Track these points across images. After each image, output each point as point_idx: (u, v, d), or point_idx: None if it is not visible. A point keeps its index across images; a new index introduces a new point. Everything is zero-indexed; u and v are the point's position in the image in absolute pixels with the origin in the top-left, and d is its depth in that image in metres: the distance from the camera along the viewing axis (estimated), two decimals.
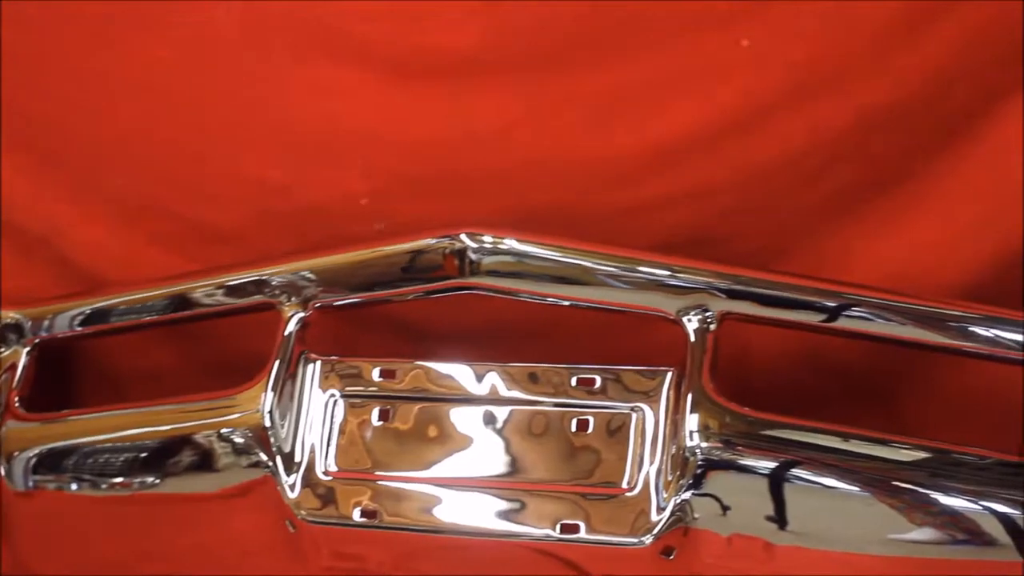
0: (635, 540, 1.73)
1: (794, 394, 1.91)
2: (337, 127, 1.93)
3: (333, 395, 1.84)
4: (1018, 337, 1.72)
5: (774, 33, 1.82)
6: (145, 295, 1.96)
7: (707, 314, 1.77)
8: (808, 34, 1.82)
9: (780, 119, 1.84)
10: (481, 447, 1.79)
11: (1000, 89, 1.82)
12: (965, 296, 1.82)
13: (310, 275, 1.87)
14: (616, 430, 1.76)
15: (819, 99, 1.82)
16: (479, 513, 1.77)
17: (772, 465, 1.72)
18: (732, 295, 1.76)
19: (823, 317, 1.76)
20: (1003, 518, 1.68)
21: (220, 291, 1.92)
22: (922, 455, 1.72)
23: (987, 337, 1.73)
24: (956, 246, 1.85)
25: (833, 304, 1.76)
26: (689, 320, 1.77)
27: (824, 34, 1.81)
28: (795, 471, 1.72)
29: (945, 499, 1.69)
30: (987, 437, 1.82)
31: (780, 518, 1.72)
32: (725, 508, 1.71)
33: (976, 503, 1.69)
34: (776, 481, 1.72)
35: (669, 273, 1.77)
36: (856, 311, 1.75)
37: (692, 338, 1.76)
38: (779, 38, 1.82)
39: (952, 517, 1.69)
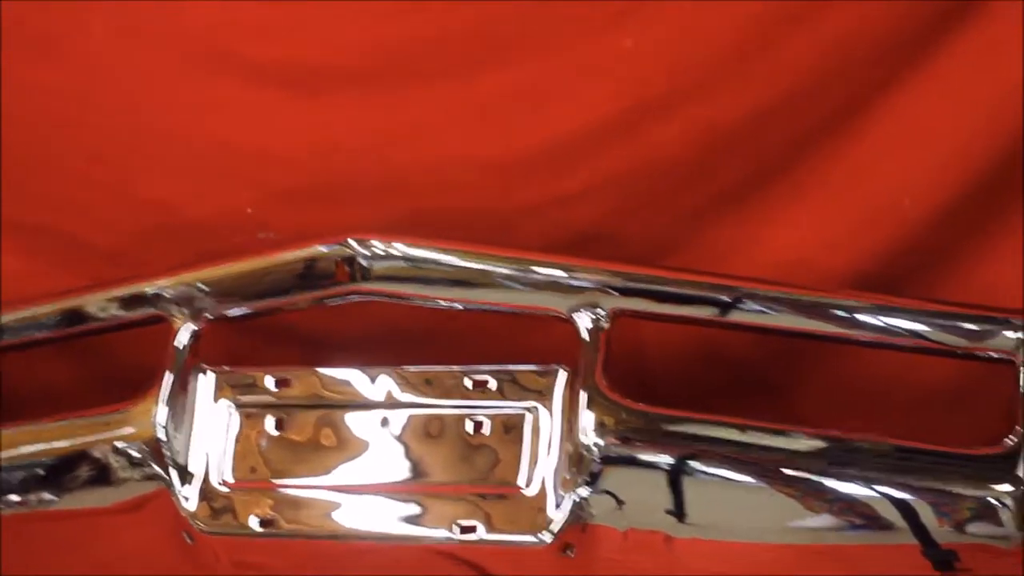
0: (533, 538, 1.73)
1: (688, 387, 1.93)
2: (224, 141, 1.92)
3: (227, 406, 1.83)
4: (906, 324, 1.75)
5: (657, 33, 1.84)
6: (36, 311, 1.93)
7: (599, 312, 1.77)
8: (691, 33, 1.83)
9: (665, 117, 1.85)
10: (378, 452, 1.79)
11: (879, 83, 1.84)
12: (852, 286, 1.85)
13: (200, 286, 1.86)
14: (511, 430, 1.77)
15: (704, 96, 1.84)
16: (378, 517, 1.77)
17: (669, 459, 1.73)
18: (623, 293, 1.78)
19: (715, 311, 1.78)
20: (898, 503, 1.70)
21: (112, 305, 1.90)
22: (820, 444, 1.74)
23: (875, 325, 1.76)
24: (840, 237, 1.87)
25: (725, 298, 1.78)
26: (581, 319, 1.78)
27: (706, 32, 1.83)
28: (693, 464, 1.73)
29: (842, 486, 1.72)
30: (880, 423, 1.86)
31: (679, 511, 1.73)
32: (622, 503, 1.72)
33: (872, 489, 1.71)
34: (674, 475, 1.73)
35: (560, 273, 1.78)
36: (747, 304, 1.77)
37: (585, 336, 1.77)
38: (662, 37, 1.84)
39: (849, 504, 1.71)
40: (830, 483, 1.72)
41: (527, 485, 1.75)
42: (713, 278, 1.79)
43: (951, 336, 1.73)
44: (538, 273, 1.79)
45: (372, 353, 1.87)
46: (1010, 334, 1.71)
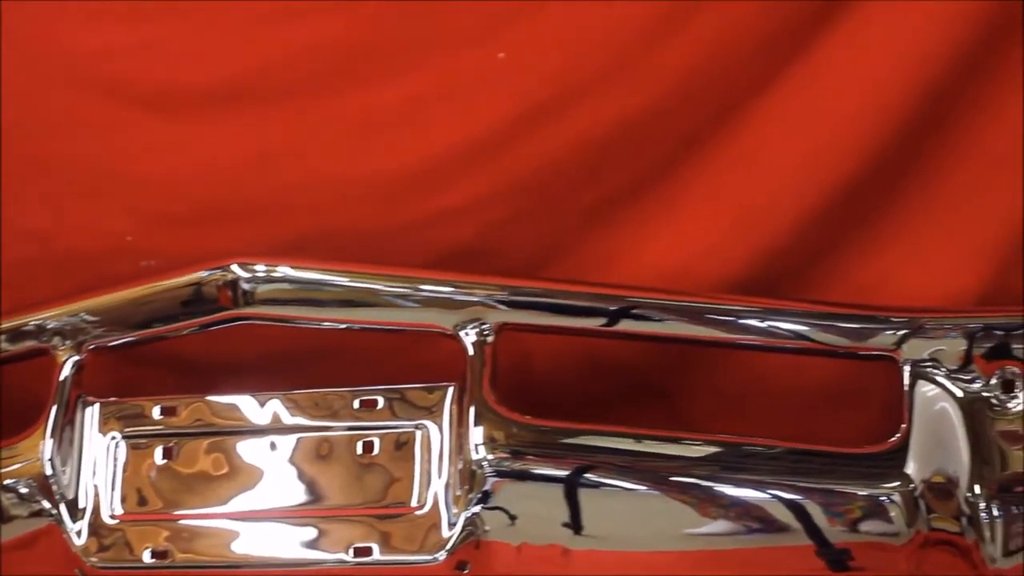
0: (428, 557, 1.73)
1: (578, 398, 1.92)
2: (96, 166, 1.90)
3: (114, 437, 1.81)
4: (788, 326, 1.76)
5: (532, 43, 1.84)
6: None
7: (484, 327, 1.77)
8: (566, 41, 1.84)
9: (541, 129, 1.85)
10: (270, 477, 1.78)
11: (753, 85, 1.85)
12: (734, 289, 1.85)
13: (83, 316, 1.83)
14: (402, 449, 1.76)
15: (578, 106, 1.84)
16: (272, 543, 1.76)
17: (563, 471, 1.74)
18: (507, 306, 1.78)
19: (602, 322, 1.78)
20: (791, 504, 1.72)
21: None
22: (713, 449, 1.75)
23: (760, 328, 1.77)
24: (721, 241, 1.88)
25: (611, 308, 1.78)
26: (467, 334, 1.78)
27: (578, 43, 1.84)
28: (587, 475, 1.74)
29: (737, 491, 1.73)
30: (769, 425, 1.88)
31: (575, 523, 1.74)
32: (515, 518, 1.72)
33: (766, 492, 1.73)
34: (569, 487, 1.74)
35: (443, 289, 1.78)
36: (633, 313, 1.78)
37: (471, 351, 1.77)
38: (537, 48, 1.84)
39: (744, 507, 1.73)
40: (725, 488, 1.73)
41: (420, 504, 1.75)
42: (598, 288, 1.80)
43: (832, 336, 1.75)
44: (422, 290, 1.78)
45: (261, 378, 1.85)
46: (890, 331, 1.73)
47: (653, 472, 1.74)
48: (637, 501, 1.74)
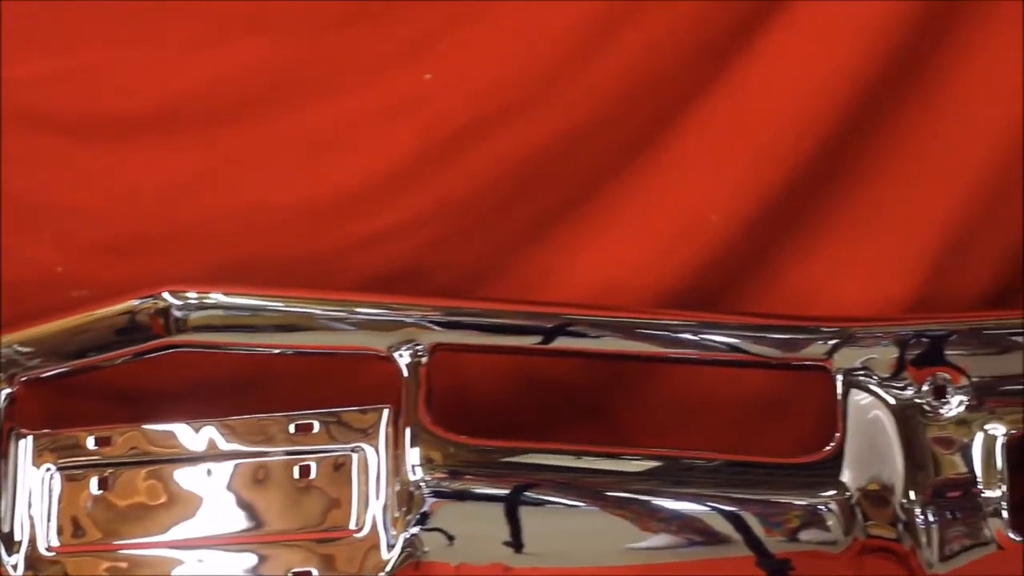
0: None
1: (515, 417, 1.92)
2: (23, 197, 1.88)
3: (49, 469, 1.78)
4: (722, 338, 1.77)
5: (457, 63, 1.83)
6: None
7: (418, 348, 1.77)
8: (492, 60, 1.84)
9: (472, 147, 1.85)
10: (208, 504, 1.77)
11: (680, 101, 1.86)
12: (667, 304, 1.86)
13: (16, 348, 1.81)
14: (339, 472, 1.76)
15: (507, 125, 1.84)
16: (212, 571, 1.75)
17: (503, 490, 1.74)
18: (441, 326, 1.77)
19: (537, 339, 1.78)
20: (731, 516, 1.73)
21: None
22: (653, 464, 1.76)
23: (694, 341, 1.78)
24: (653, 256, 1.88)
25: (546, 325, 1.78)
26: (401, 355, 1.77)
27: (506, 61, 1.84)
28: (527, 494, 1.74)
29: (677, 504, 1.74)
30: (705, 438, 1.88)
31: (516, 542, 1.74)
32: (453, 539, 1.72)
33: (706, 505, 1.73)
34: (509, 505, 1.74)
35: (376, 311, 1.78)
36: (569, 330, 1.78)
37: (405, 373, 1.76)
38: (463, 67, 1.84)
39: (685, 521, 1.73)
40: (665, 502, 1.74)
41: (359, 527, 1.74)
42: (533, 306, 1.81)
43: (765, 347, 1.76)
44: (355, 313, 1.78)
45: (196, 405, 1.84)
46: (821, 341, 1.74)
47: (593, 488, 1.74)
48: (578, 518, 1.75)
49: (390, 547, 1.73)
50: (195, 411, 1.82)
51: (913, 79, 1.85)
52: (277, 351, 1.80)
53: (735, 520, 1.73)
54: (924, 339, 1.74)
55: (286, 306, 1.79)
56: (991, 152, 1.84)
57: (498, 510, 1.74)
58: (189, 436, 1.80)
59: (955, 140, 1.85)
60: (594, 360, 1.84)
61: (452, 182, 1.86)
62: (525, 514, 1.74)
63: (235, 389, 1.89)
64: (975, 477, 1.70)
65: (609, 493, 1.74)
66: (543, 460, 1.76)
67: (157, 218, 1.88)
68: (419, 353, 1.77)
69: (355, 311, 1.78)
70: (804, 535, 1.72)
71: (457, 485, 1.74)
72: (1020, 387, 1.72)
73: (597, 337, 1.78)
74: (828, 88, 1.82)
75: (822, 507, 1.71)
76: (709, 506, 1.73)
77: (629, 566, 1.74)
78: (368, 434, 1.77)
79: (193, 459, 1.79)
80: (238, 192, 1.88)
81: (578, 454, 1.76)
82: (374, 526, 1.74)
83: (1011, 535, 1.69)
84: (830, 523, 1.71)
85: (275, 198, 1.88)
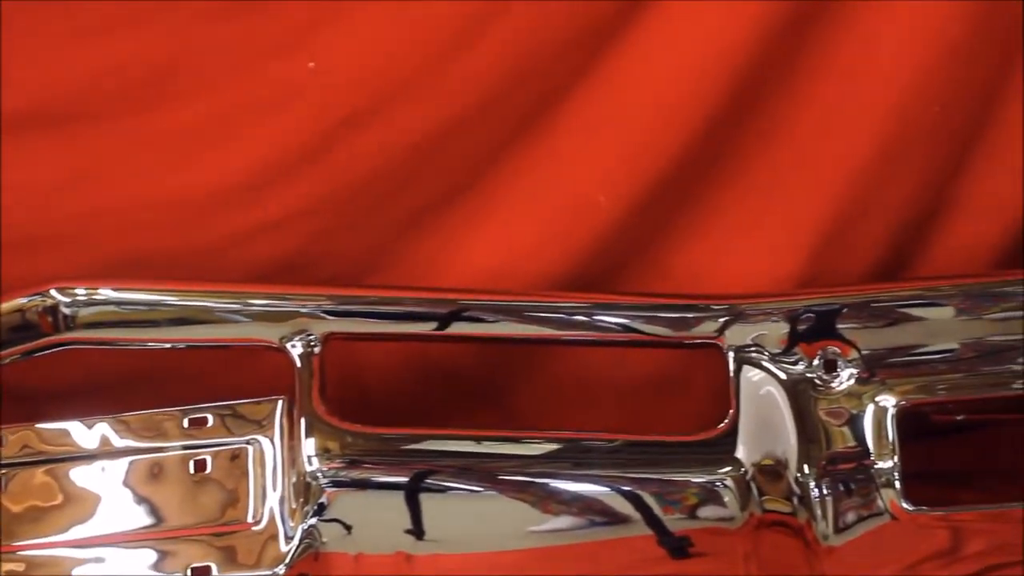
0: (268, 572, 1.72)
1: (411, 405, 1.92)
2: None
3: None
4: (615, 319, 1.77)
5: (340, 51, 1.82)
6: None
7: (310, 337, 1.76)
8: (376, 47, 1.83)
9: (358, 135, 1.84)
10: (104, 503, 1.75)
11: (565, 83, 1.86)
12: (559, 286, 1.87)
13: None
14: (235, 465, 1.75)
15: (395, 110, 1.83)
16: (110, 569, 1.74)
17: (402, 478, 1.73)
18: (333, 315, 1.76)
19: (432, 326, 1.78)
20: (631, 496, 1.73)
21: None
22: (553, 446, 1.76)
23: (587, 323, 1.78)
24: (543, 239, 1.88)
25: (441, 311, 1.77)
26: (294, 346, 1.76)
27: (391, 45, 1.83)
28: (427, 480, 1.74)
29: (578, 486, 1.74)
30: (601, 419, 1.89)
31: (417, 529, 1.73)
32: (351, 528, 1.72)
33: (607, 485, 1.74)
34: (409, 493, 1.73)
35: (265, 302, 1.76)
36: (465, 315, 1.77)
37: (298, 363, 1.75)
38: (346, 55, 1.82)
39: (586, 502, 1.74)
40: (566, 484, 1.74)
41: (256, 520, 1.74)
42: (427, 293, 1.80)
43: (658, 327, 1.76)
44: (246, 305, 1.76)
45: (89, 402, 1.83)
46: (712, 319, 1.75)
47: (494, 472, 1.74)
48: (479, 503, 1.75)
49: (288, 539, 1.72)
50: (88, 408, 1.80)
51: (795, 63, 1.86)
52: (168, 346, 1.79)
53: (634, 500, 1.73)
54: (814, 314, 1.75)
55: (177, 300, 1.77)
56: (875, 130, 1.86)
57: (398, 498, 1.73)
58: (83, 434, 1.78)
59: (839, 120, 1.86)
60: (488, 345, 1.84)
61: (337, 171, 1.85)
62: (425, 501, 1.73)
63: (128, 385, 1.88)
64: (867, 449, 1.72)
65: (510, 477, 1.74)
66: (442, 446, 1.76)
67: (39, 216, 1.85)
68: (312, 343, 1.76)
69: (248, 303, 1.77)
70: (702, 512, 1.73)
71: (355, 474, 1.73)
72: (910, 358, 1.74)
73: (493, 321, 1.78)
74: (710, 72, 1.83)
75: (718, 484, 1.72)
76: (609, 487, 1.73)
77: (531, 549, 1.74)
78: (263, 426, 1.76)
79: (87, 457, 1.77)
80: (122, 187, 1.85)
81: (478, 439, 1.76)
82: (272, 518, 1.73)
83: (904, 505, 1.71)
84: (727, 499, 1.72)
85: (159, 192, 1.86)
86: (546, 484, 1.74)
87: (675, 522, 1.73)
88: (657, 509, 1.73)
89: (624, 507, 1.73)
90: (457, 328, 1.78)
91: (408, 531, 1.73)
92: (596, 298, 1.79)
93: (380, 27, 1.82)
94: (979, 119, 1.87)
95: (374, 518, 1.74)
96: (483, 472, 1.74)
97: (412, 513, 1.73)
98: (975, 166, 1.89)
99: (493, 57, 1.82)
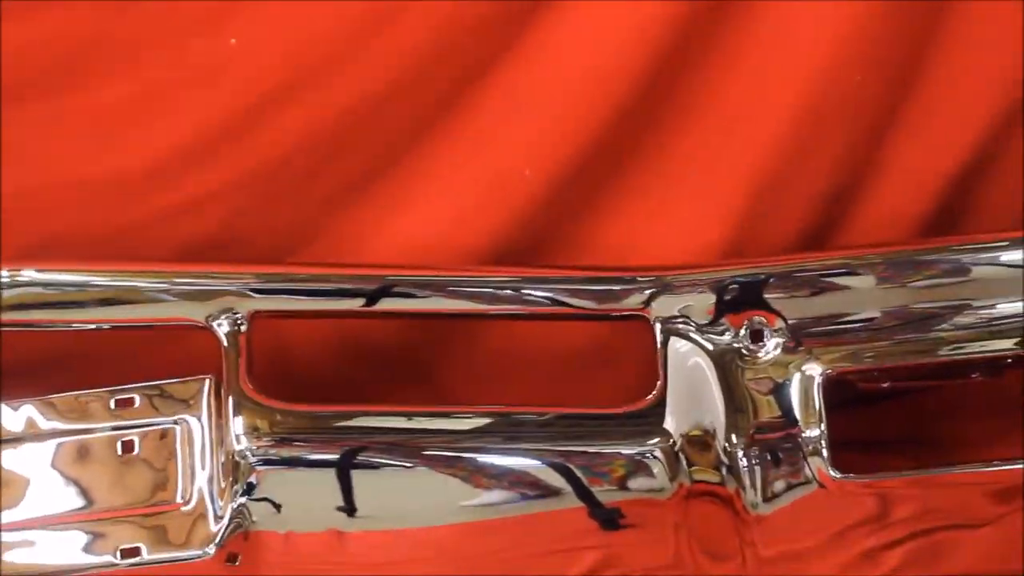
0: (198, 552, 1.71)
1: (339, 383, 1.92)
2: None
3: None
4: (542, 292, 1.77)
5: (262, 27, 1.81)
6: None
7: (236, 316, 1.75)
8: (298, 22, 1.81)
9: (281, 111, 1.83)
10: (33, 485, 1.74)
11: (489, 54, 1.85)
12: (486, 260, 1.87)
13: None
14: (163, 445, 1.74)
15: (318, 85, 1.83)
16: (43, 552, 1.72)
17: (333, 455, 1.73)
18: (259, 293, 1.76)
19: (360, 302, 1.77)
20: (562, 469, 1.74)
21: None
22: (485, 421, 1.76)
23: (516, 297, 1.78)
24: (468, 213, 1.88)
25: (368, 287, 1.77)
26: (220, 325, 1.75)
27: (314, 20, 1.81)
28: (359, 457, 1.73)
29: (510, 460, 1.74)
30: (529, 393, 1.91)
31: (349, 506, 1.73)
32: (280, 507, 1.71)
33: (538, 459, 1.74)
34: (340, 470, 1.73)
35: (190, 281, 1.75)
36: (393, 291, 1.77)
37: (224, 342, 1.75)
38: (268, 31, 1.81)
39: (517, 476, 1.74)
40: (497, 458, 1.74)
41: (185, 500, 1.73)
42: (354, 269, 1.79)
43: (585, 300, 1.76)
44: (172, 284, 1.75)
45: (15, 384, 1.81)
46: (638, 291, 1.75)
47: (425, 448, 1.74)
48: (411, 478, 1.74)
49: (218, 518, 1.72)
50: (14, 391, 1.78)
51: (716, 34, 1.85)
52: (94, 327, 1.77)
53: (565, 472, 1.74)
54: (739, 284, 1.75)
55: (102, 280, 1.76)
56: (795, 101, 1.86)
57: (329, 475, 1.73)
58: (9, 416, 1.76)
59: (760, 91, 1.86)
60: (415, 320, 1.84)
61: (261, 148, 1.84)
62: (357, 478, 1.73)
63: (54, 367, 1.86)
64: (794, 418, 1.72)
65: (441, 452, 1.74)
66: (373, 423, 1.75)
67: None
68: (238, 322, 1.75)
69: (173, 282, 1.76)
70: (632, 483, 1.73)
71: (284, 452, 1.72)
72: (835, 327, 1.75)
73: (421, 297, 1.78)
74: (632, 44, 1.83)
75: (648, 455, 1.72)
76: (539, 460, 1.74)
77: (463, 523, 1.74)
78: (190, 405, 1.75)
79: (14, 440, 1.76)
80: (44, 167, 1.84)
81: (408, 415, 1.76)
82: (201, 498, 1.72)
83: (831, 473, 1.71)
84: (656, 470, 1.72)
85: (80, 172, 1.84)
86: (477, 458, 1.74)
87: (605, 494, 1.73)
88: (587, 481, 1.73)
89: (555, 480, 1.74)
90: (385, 304, 1.78)
91: (339, 508, 1.73)
92: (523, 272, 1.79)
93: (301, 3, 1.81)
94: (899, 88, 1.88)
95: (305, 496, 1.73)
96: (414, 448, 1.74)
97: (343, 490, 1.73)
98: (896, 135, 1.90)
99: (415, 31, 1.82)
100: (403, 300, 1.78)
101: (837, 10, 1.83)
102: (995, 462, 1.74)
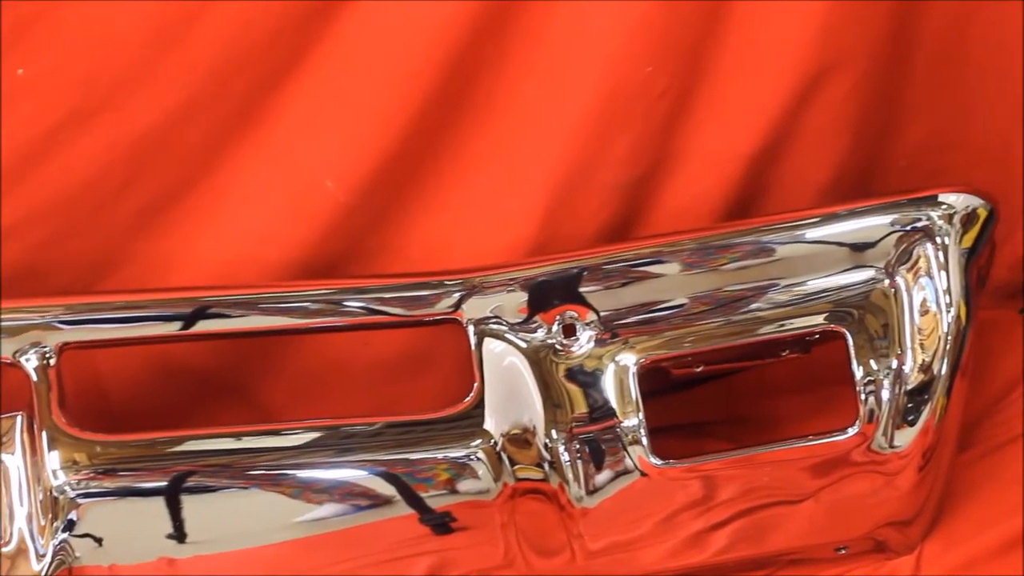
0: None
1: (159, 408, 1.90)
2: None
3: None
4: (354, 303, 1.77)
5: (48, 57, 1.78)
6: None
7: (44, 349, 1.73)
8: (87, 48, 1.79)
9: (71, 141, 1.80)
10: None
11: (283, 69, 1.84)
12: (295, 275, 1.86)
13: None
14: None
15: (109, 112, 1.80)
16: None
17: (159, 483, 1.72)
18: (66, 324, 1.73)
19: (176, 326, 1.75)
20: (390, 477, 1.74)
21: None
22: (313, 435, 1.76)
23: (331, 309, 1.77)
24: (274, 229, 1.87)
25: (183, 311, 1.75)
26: (28, 360, 1.72)
27: (103, 44, 1.79)
28: (188, 482, 1.72)
29: (340, 472, 1.75)
30: (350, 404, 1.90)
31: (179, 532, 1.72)
32: (101, 540, 1.70)
33: (367, 470, 1.74)
34: (169, 497, 1.72)
35: None
36: (208, 313, 1.76)
37: (34, 377, 1.72)
38: (54, 60, 1.78)
39: (348, 487, 1.74)
40: (328, 472, 1.75)
41: (7, 540, 1.70)
42: (165, 294, 1.78)
43: (396, 307, 1.76)
44: None
45: None
46: (448, 295, 1.76)
47: (254, 468, 1.74)
48: (241, 499, 1.74)
49: (40, 556, 1.70)
50: None
51: (509, 33, 1.85)
52: None
53: (393, 481, 1.74)
54: (549, 281, 1.77)
55: None
56: (591, 93, 1.87)
57: (157, 503, 1.71)
58: None
59: (556, 85, 1.87)
60: (229, 341, 1.82)
61: (57, 177, 1.81)
62: (186, 503, 1.72)
63: None
64: (612, 409, 1.74)
65: (271, 471, 1.73)
66: (200, 446, 1.74)
67: None
68: (47, 355, 1.73)
69: None
70: (459, 486, 1.74)
71: (108, 484, 1.71)
72: (646, 316, 1.77)
73: (238, 316, 1.76)
74: (425, 48, 1.83)
75: (471, 457, 1.73)
76: (367, 470, 1.74)
77: (298, 539, 1.74)
78: (3, 443, 1.72)
79: None
80: None
81: (237, 435, 1.75)
82: (21, 538, 1.70)
83: (653, 461, 1.73)
84: (480, 472, 1.73)
85: None
86: (308, 474, 1.74)
87: (434, 499, 1.74)
88: (417, 487, 1.74)
89: (385, 489, 1.74)
90: (202, 326, 1.76)
91: (169, 536, 1.72)
92: (335, 284, 1.79)
93: (86, 27, 1.78)
94: (691, 77, 1.90)
95: (131, 527, 1.72)
96: (244, 468, 1.74)
97: (172, 517, 1.72)
98: (691, 122, 1.91)
99: (205, 48, 1.80)
100: (219, 321, 1.77)
101: (625, 7, 1.85)
102: (810, 436, 1.77)
